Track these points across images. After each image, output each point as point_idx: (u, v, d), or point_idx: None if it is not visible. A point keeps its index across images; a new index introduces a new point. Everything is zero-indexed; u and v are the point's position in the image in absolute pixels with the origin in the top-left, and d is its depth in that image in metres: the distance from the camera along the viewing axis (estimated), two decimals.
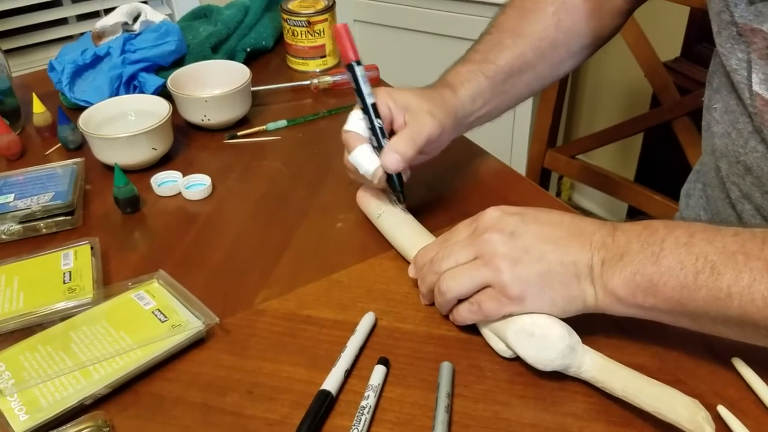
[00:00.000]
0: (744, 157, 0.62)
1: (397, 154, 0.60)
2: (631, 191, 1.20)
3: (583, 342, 0.50)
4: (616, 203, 1.88)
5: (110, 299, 0.58)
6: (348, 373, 0.52)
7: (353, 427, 0.47)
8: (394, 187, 0.63)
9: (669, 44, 1.45)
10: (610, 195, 1.23)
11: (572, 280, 0.49)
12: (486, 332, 0.53)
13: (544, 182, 1.32)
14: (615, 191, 1.23)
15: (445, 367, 0.51)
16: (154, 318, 0.56)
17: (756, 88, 0.57)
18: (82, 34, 0.96)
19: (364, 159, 0.61)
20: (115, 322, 0.55)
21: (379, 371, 0.51)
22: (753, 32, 0.56)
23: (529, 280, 0.49)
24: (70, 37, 1.85)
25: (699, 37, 1.41)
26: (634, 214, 1.83)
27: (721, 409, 0.48)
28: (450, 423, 0.48)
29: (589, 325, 0.55)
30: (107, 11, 1.79)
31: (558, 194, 2.07)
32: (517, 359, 0.52)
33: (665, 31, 1.43)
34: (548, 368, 0.49)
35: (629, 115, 1.24)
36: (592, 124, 1.91)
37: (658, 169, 1.55)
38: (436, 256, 0.54)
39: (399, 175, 0.62)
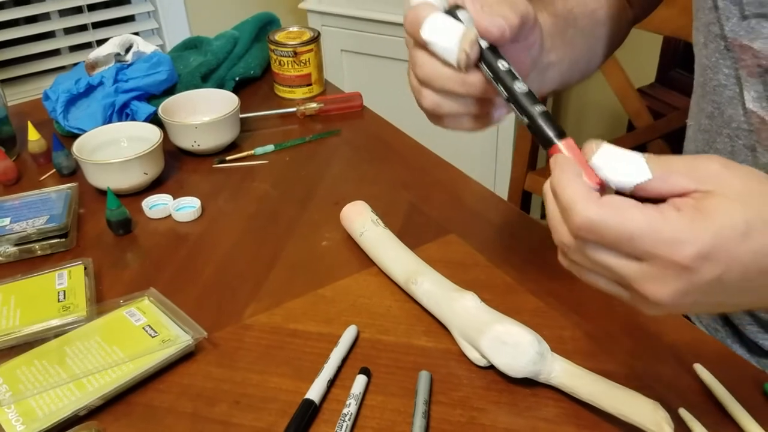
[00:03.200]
0: None
1: (498, 17, 0.44)
2: None
3: (555, 351, 0.53)
4: None
5: (103, 316, 0.60)
6: (331, 383, 0.54)
7: None
8: (497, 71, 0.44)
9: (644, 71, 1.50)
10: None
11: None
12: (462, 342, 0.56)
13: (526, 204, 1.35)
14: None
15: (423, 376, 0.54)
16: (145, 333, 0.58)
17: (750, 105, 0.56)
18: (74, 64, 0.99)
19: (445, 30, 0.44)
20: (108, 338, 0.58)
21: (360, 381, 0.54)
22: (742, 48, 0.54)
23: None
24: (62, 68, 1.89)
25: (673, 64, 1.46)
26: None
27: (683, 412, 0.50)
28: (428, 428, 0.50)
29: (560, 335, 0.58)
30: (99, 42, 1.83)
31: (542, 216, 2.11)
32: (492, 368, 0.55)
33: (640, 58, 1.48)
34: (520, 375, 0.52)
35: (611, 138, 1.28)
36: None
37: None
38: (577, 252, 0.40)
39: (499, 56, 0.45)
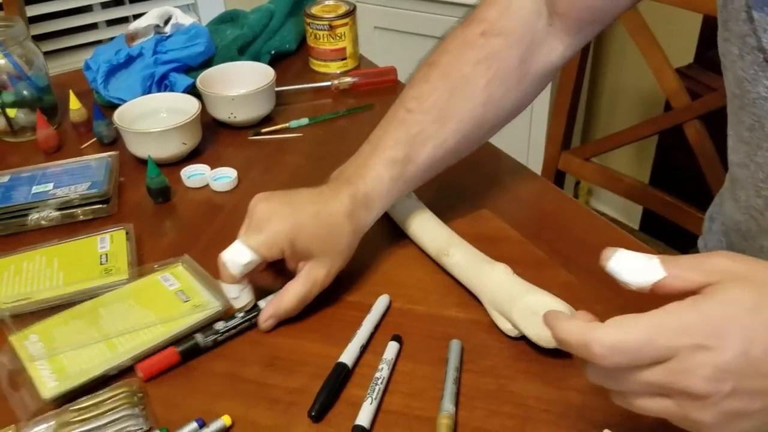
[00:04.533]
0: (767, 192, 0.59)
1: (275, 319, 0.58)
2: (645, 193, 1.23)
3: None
4: (631, 207, 1.90)
5: (137, 280, 0.62)
6: (363, 349, 0.56)
7: (368, 396, 0.51)
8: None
9: (682, 50, 1.48)
10: (624, 197, 1.26)
11: None
12: (493, 312, 0.57)
13: (559, 185, 1.34)
14: (629, 193, 1.25)
15: (454, 344, 0.55)
16: (178, 298, 0.60)
17: None
18: (111, 38, 1.01)
19: (234, 293, 0.58)
20: (141, 301, 0.60)
21: (392, 347, 0.55)
22: None
23: None
24: (99, 42, 1.92)
25: (711, 44, 1.43)
26: (649, 218, 1.85)
27: None
28: (458, 394, 0.51)
29: (593, 309, 0.58)
30: (136, 17, 1.86)
31: (575, 197, 2.09)
32: (523, 338, 0.55)
33: (678, 38, 1.45)
34: (551, 345, 0.52)
35: (647, 118, 1.26)
36: (610, 129, 1.94)
37: (672, 172, 1.57)
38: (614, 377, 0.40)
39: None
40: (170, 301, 0.60)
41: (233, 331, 0.57)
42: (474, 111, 0.64)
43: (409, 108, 0.64)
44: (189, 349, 0.55)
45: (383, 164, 0.62)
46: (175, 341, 0.56)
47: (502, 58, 0.64)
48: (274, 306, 0.58)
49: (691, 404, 0.38)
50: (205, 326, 0.57)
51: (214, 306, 0.59)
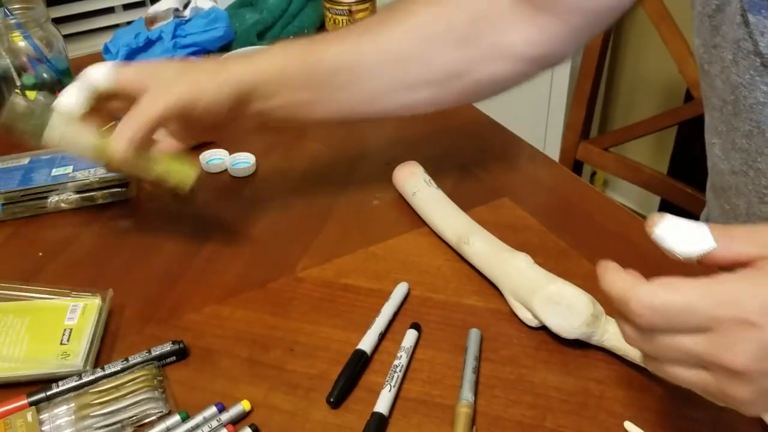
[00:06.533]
0: None
1: (123, 139, 0.57)
2: (664, 184, 1.22)
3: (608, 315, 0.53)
4: (648, 198, 1.88)
5: (53, 299, 0.58)
6: (382, 336, 0.55)
7: (386, 383, 0.51)
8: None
9: None
10: (643, 188, 1.25)
11: None
12: (513, 302, 0.56)
13: (576, 174, 1.33)
14: (648, 184, 1.24)
15: (474, 333, 0.55)
16: (60, 337, 0.55)
17: None
18: (129, 22, 1.01)
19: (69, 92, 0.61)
20: (34, 323, 0.56)
21: (411, 335, 0.55)
22: None
23: None
24: (116, 26, 1.92)
25: None
26: (666, 209, 1.83)
27: None
28: (477, 383, 0.51)
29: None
30: (153, 1, 1.85)
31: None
32: (543, 328, 0.55)
33: None
34: (572, 336, 0.52)
35: (668, 108, 1.25)
36: (628, 120, 1.92)
37: (692, 163, 1.55)
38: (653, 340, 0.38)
39: None
40: (52, 337, 0.55)
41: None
42: (403, 38, 0.62)
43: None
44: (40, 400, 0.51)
45: (280, 46, 0.62)
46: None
47: (450, 16, 0.62)
48: (119, 129, 0.58)
49: (728, 380, 0.36)
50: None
51: (77, 363, 0.53)
